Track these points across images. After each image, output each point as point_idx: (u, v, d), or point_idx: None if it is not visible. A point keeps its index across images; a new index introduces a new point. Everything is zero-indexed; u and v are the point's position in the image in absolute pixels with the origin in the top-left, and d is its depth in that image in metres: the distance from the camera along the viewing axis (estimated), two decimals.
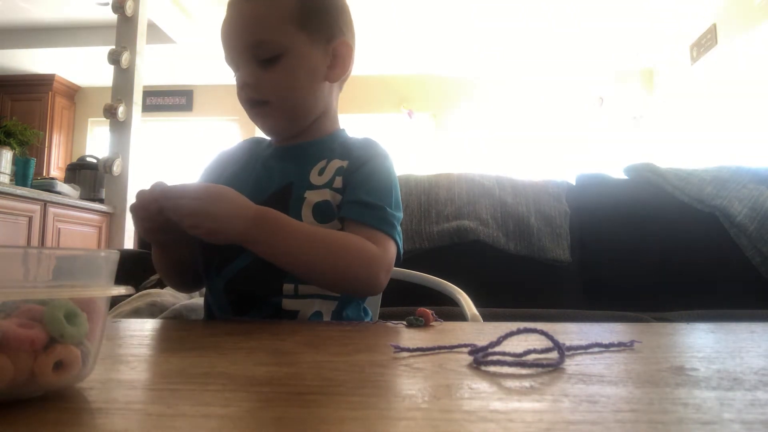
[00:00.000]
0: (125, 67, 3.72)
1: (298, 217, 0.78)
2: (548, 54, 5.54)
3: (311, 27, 0.81)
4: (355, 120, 5.84)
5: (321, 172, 0.82)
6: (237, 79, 0.81)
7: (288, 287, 0.77)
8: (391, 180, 0.83)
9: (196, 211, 0.67)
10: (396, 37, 5.22)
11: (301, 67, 0.81)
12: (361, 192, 0.79)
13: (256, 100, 0.81)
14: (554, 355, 0.41)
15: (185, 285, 0.89)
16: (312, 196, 0.79)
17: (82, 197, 3.57)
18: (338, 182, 0.81)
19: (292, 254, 0.73)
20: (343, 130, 0.91)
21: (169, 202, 0.67)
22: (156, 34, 4.61)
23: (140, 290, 1.24)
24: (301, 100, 0.83)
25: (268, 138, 0.92)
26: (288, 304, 0.78)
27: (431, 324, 0.67)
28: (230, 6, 0.82)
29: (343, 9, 0.87)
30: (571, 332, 0.60)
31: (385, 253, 0.76)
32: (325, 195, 0.80)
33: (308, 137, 0.87)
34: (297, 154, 0.85)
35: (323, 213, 0.79)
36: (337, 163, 0.83)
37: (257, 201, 0.79)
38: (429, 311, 0.67)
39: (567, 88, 5.94)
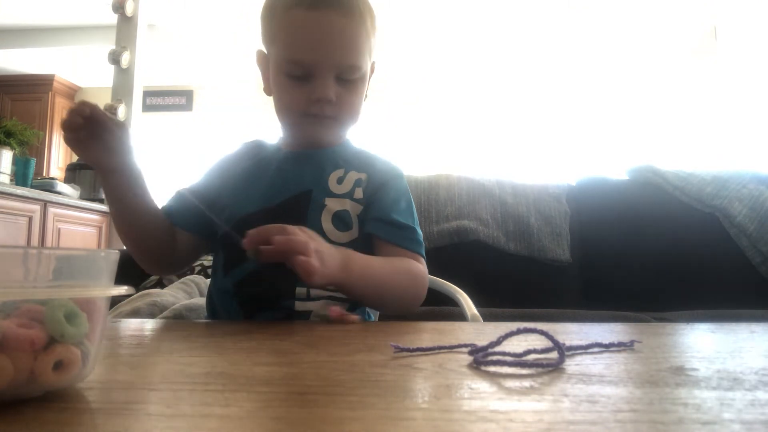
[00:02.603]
0: (125, 67, 3.72)
1: (318, 223, 0.80)
2: (546, 54, 5.54)
3: (372, 50, 0.85)
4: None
5: (340, 181, 0.84)
6: (306, 90, 0.79)
7: (300, 290, 0.78)
8: (411, 200, 0.88)
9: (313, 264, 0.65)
10: (394, 35, 5.22)
11: (364, 88, 0.85)
12: (391, 213, 0.83)
13: (329, 115, 0.81)
14: (554, 355, 0.41)
15: (148, 252, 0.85)
16: (332, 204, 0.81)
17: (82, 197, 3.57)
18: (358, 193, 0.83)
19: (378, 293, 0.78)
20: (348, 140, 0.92)
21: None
22: (156, 34, 4.61)
23: (140, 290, 1.24)
24: (357, 119, 0.86)
25: (271, 140, 0.92)
26: (300, 306, 0.79)
27: (346, 319, 0.69)
28: (316, 11, 0.78)
29: None
30: (571, 332, 0.60)
31: (426, 272, 0.83)
32: (345, 204, 0.82)
33: (335, 142, 0.89)
34: (313, 160, 0.86)
35: (342, 222, 0.81)
36: (355, 175, 0.85)
37: (270, 204, 0.81)
38: (339, 308, 0.71)
39: (566, 88, 5.93)
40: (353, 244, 0.81)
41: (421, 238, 0.85)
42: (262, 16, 0.85)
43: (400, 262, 0.80)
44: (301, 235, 0.65)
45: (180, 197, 0.87)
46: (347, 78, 0.80)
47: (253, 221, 0.81)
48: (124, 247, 0.82)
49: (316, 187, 0.83)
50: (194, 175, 0.92)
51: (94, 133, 0.72)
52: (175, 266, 0.92)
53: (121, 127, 0.75)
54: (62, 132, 0.71)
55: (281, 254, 0.63)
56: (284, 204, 0.82)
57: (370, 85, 0.89)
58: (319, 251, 0.66)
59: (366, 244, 0.83)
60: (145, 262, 0.86)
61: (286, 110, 0.83)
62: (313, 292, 0.78)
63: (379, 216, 0.82)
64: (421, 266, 0.82)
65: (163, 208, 0.86)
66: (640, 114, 5.67)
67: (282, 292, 0.78)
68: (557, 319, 1.29)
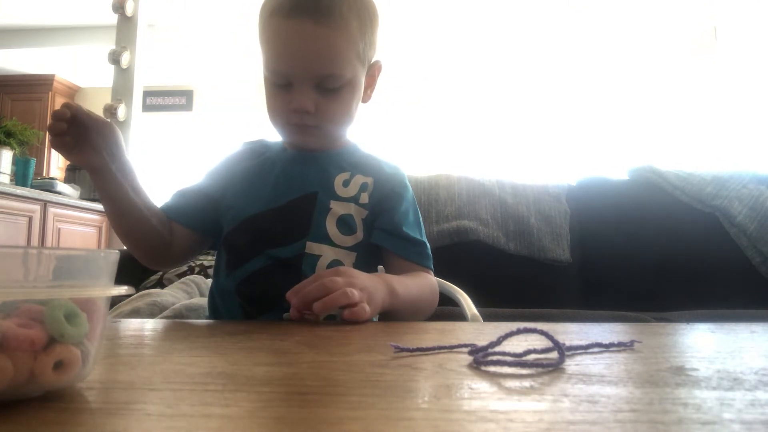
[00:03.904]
0: (125, 67, 3.72)
1: (323, 226, 0.80)
2: (546, 54, 5.54)
3: (365, 56, 0.82)
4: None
5: (346, 184, 0.84)
6: (287, 99, 0.79)
7: None
8: (418, 210, 0.90)
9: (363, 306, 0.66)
10: (396, 36, 5.22)
11: (355, 96, 0.83)
12: (403, 227, 0.84)
13: (310, 124, 0.80)
14: (554, 355, 0.41)
15: (140, 241, 0.84)
16: (337, 208, 0.81)
17: (82, 197, 3.57)
18: (364, 198, 0.83)
19: (412, 311, 0.80)
20: (355, 144, 0.92)
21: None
22: (156, 34, 4.61)
23: (140, 290, 1.24)
24: (347, 124, 0.85)
25: (274, 140, 0.92)
26: None
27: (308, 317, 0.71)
28: (291, 19, 0.75)
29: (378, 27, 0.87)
30: (571, 332, 0.60)
31: (437, 284, 0.87)
32: (350, 209, 0.82)
33: (329, 146, 0.88)
34: (319, 162, 0.86)
35: (346, 225, 0.81)
36: (360, 179, 0.85)
37: (275, 205, 0.81)
38: (295, 311, 0.72)
39: (566, 88, 5.93)
40: (357, 248, 0.82)
41: (429, 251, 0.87)
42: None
43: (422, 278, 0.83)
44: (340, 282, 0.64)
45: (181, 195, 0.87)
46: (328, 87, 0.78)
47: (258, 221, 0.81)
48: (124, 247, 0.82)
49: (321, 189, 0.82)
50: (196, 175, 0.92)
51: (79, 134, 0.72)
52: (173, 261, 0.91)
53: (106, 126, 0.74)
54: (48, 137, 0.71)
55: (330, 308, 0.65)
56: (289, 205, 0.82)
57: (371, 86, 0.88)
58: (365, 289, 0.67)
59: (370, 250, 0.83)
60: (141, 256, 0.86)
61: (272, 117, 0.83)
62: None
63: (390, 229, 0.83)
64: (434, 279, 0.86)
65: (163, 205, 0.86)
66: (640, 114, 5.67)
67: (284, 293, 0.78)
68: (557, 319, 1.29)
